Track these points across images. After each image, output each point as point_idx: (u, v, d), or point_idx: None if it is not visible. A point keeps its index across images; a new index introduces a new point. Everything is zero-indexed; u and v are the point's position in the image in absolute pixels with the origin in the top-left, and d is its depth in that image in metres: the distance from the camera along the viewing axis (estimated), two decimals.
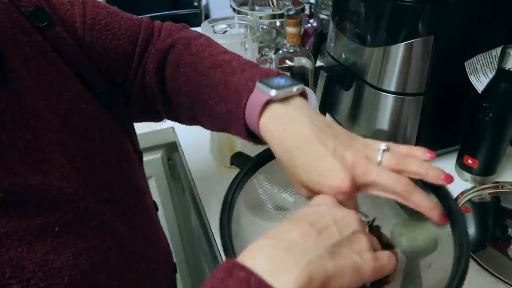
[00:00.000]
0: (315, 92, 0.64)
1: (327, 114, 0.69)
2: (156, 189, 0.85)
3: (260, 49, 0.78)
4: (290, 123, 0.30)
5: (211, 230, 0.55)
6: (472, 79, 0.56)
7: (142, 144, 0.77)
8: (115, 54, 0.38)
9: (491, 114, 0.52)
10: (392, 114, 0.57)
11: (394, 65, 0.54)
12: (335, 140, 0.29)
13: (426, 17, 0.50)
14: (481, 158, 0.56)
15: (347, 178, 0.27)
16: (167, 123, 0.77)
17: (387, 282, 0.32)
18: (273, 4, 0.94)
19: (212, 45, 0.38)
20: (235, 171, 0.36)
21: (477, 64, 0.55)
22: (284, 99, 0.31)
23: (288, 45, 0.67)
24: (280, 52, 0.69)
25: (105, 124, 0.37)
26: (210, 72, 0.35)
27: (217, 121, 0.36)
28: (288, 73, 0.68)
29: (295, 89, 0.31)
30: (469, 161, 0.57)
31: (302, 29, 0.90)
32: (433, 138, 0.61)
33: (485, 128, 0.53)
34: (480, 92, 0.54)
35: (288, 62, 0.68)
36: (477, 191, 0.56)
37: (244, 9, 0.89)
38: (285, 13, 0.81)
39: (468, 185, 0.58)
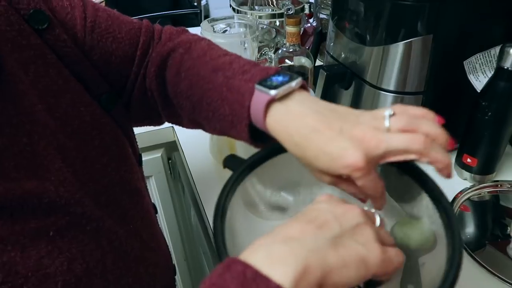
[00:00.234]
0: (314, 91, 0.65)
1: None
2: (156, 188, 0.85)
3: (260, 49, 0.78)
4: (295, 118, 0.30)
5: (211, 229, 0.55)
6: (471, 78, 0.56)
7: (142, 144, 0.77)
8: (115, 57, 0.38)
9: (490, 113, 0.52)
10: None
11: (393, 64, 0.54)
12: (340, 121, 0.29)
13: (425, 16, 0.50)
14: (480, 157, 0.56)
15: (360, 154, 0.27)
16: (167, 123, 0.77)
17: (381, 282, 0.32)
18: (272, 3, 0.94)
19: (212, 48, 0.38)
20: None
21: (476, 63, 0.55)
22: (285, 96, 0.31)
23: (287, 44, 0.67)
24: (280, 51, 0.69)
25: (105, 127, 0.37)
26: (211, 75, 0.35)
27: (220, 123, 0.35)
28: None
29: (293, 84, 0.31)
30: (468, 160, 0.57)
31: (302, 29, 0.91)
32: None
33: (484, 127, 0.54)
34: (479, 91, 0.54)
35: (288, 62, 0.68)
36: (476, 190, 0.57)
37: (244, 8, 0.89)
38: (285, 12, 0.81)
39: (467, 184, 0.58)
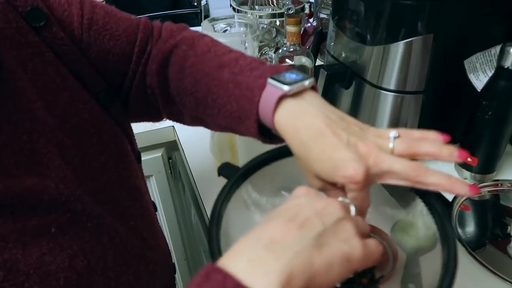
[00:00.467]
0: None
1: None
2: (157, 187, 0.85)
3: (260, 48, 0.78)
4: (304, 117, 0.30)
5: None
6: (472, 77, 0.56)
7: (143, 143, 0.77)
8: (113, 54, 0.38)
9: (490, 112, 0.52)
10: (392, 113, 0.57)
11: (394, 63, 0.54)
12: (348, 131, 0.29)
13: (426, 15, 0.50)
14: (480, 156, 0.56)
15: (361, 168, 0.27)
16: (167, 122, 0.77)
17: (380, 278, 0.32)
18: (273, 3, 0.94)
19: (216, 45, 0.38)
20: None
21: (477, 62, 0.55)
22: (297, 94, 0.31)
23: (288, 44, 0.67)
24: (280, 51, 0.69)
25: (103, 125, 0.36)
26: (217, 72, 0.35)
27: (226, 119, 0.35)
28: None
29: (306, 83, 0.31)
30: (469, 159, 0.57)
31: (302, 29, 0.91)
32: None
33: (485, 126, 0.54)
34: (479, 90, 0.54)
35: (288, 61, 0.68)
36: None
37: (244, 8, 0.89)
38: (285, 12, 0.81)
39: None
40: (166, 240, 0.48)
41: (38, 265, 0.26)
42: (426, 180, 0.28)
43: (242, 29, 0.68)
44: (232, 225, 0.35)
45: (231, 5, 0.89)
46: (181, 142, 0.72)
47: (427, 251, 0.34)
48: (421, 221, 0.35)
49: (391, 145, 0.29)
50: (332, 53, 0.66)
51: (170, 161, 0.85)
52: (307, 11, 0.93)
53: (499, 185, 0.57)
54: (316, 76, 0.67)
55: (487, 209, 0.56)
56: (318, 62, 0.90)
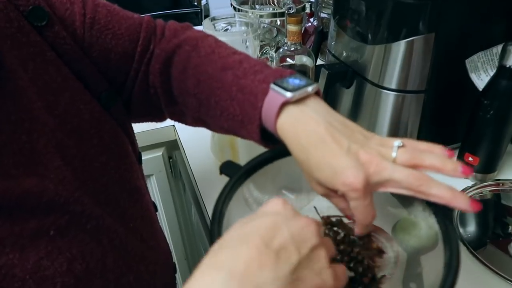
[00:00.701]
0: None
1: None
2: (157, 187, 0.85)
3: (261, 48, 0.78)
4: (306, 123, 0.30)
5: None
6: (473, 76, 0.56)
7: (143, 142, 0.77)
8: (115, 53, 0.38)
9: (492, 112, 0.52)
10: (393, 112, 0.57)
11: (395, 62, 0.54)
12: (350, 138, 0.29)
13: (427, 15, 0.50)
14: (481, 156, 0.56)
15: (361, 176, 0.27)
16: (168, 121, 0.77)
17: (381, 278, 0.32)
18: (273, 2, 0.94)
19: (220, 46, 0.38)
20: None
21: (478, 61, 0.55)
22: (300, 100, 0.31)
23: (289, 43, 0.67)
24: (281, 50, 0.69)
25: (104, 125, 0.36)
26: (220, 73, 0.35)
27: (228, 122, 0.35)
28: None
29: (310, 89, 0.31)
30: (470, 159, 0.57)
31: (303, 28, 0.91)
32: (434, 136, 0.61)
33: (486, 126, 0.54)
34: (480, 90, 0.54)
35: (289, 61, 0.68)
36: (477, 188, 0.57)
37: (245, 7, 0.89)
38: (286, 11, 0.81)
39: (469, 182, 0.58)
40: (167, 240, 0.48)
41: (35, 270, 0.26)
42: (428, 191, 0.27)
43: (243, 28, 0.68)
44: (234, 224, 0.35)
45: (231, 4, 0.89)
46: (181, 141, 0.72)
47: (428, 251, 0.34)
48: (422, 221, 0.35)
49: (394, 154, 0.28)
50: (333, 52, 0.66)
51: (171, 160, 0.85)
52: (307, 10, 0.93)
53: (500, 184, 0.57)
54: (317, 75, 0.66)
55: (488, 208, 0.56)
56: (319, 62, 0.90)
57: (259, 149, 0.37)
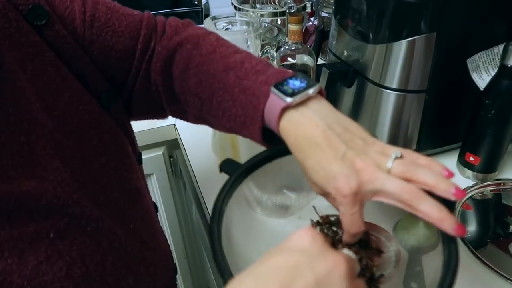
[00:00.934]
0: None
1: None
2: (158, 186, 0.85)
3: (262, 47, 0.78)
4: (306, 126, 0.30)
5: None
6: (474, 76, 0.56)
7: (144, 141, 0.77)
8: (116, 51, 0.37)
9: (493, 111, 0.52)
10: (394, 111, 0.57)
11: (397, 62, 0.54)
12: (348, 144, 0.29)
13: (429, 14, 0.50)
14: (483, 156, 0.56)
15: (352, 183, 0.27)
16: (168, 121, 0.77)
17: (380, 277, 0.32)
18: (274, 2, 0.94)
19: (222, 45, 0.38)
20: None
21: (479, 61, 0.55)
22: (301, 103, 0.31)
23: (290, 42, 0.67)
24: (282, 49, 0.69)
25: (104, 125, 0.36)
26: (222, 74, 0.35)
27: (230, 122, 0.35)
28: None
29: (311, 91, 0.31)
30: (471, 158, 0.57)
31: (304, 27, 0.91)
32: (435, 135, 0.61)
33: (487, 126, 0.54)
34: (482, 89, 0.54)
35: (290, 60, 0.68)
36: (478, 188, 0.57)
37: (246, 7, 0.89)
38: (287, 10, 0.81)
39: (470, 182, 0.58)
40: (167, 241, 0.48)
41: (34, 275, 0.25)
42: (416, 207, 0.27)
43: (244, 27, 0.68)
44: (233, 222, 0.35)
45: (232, 3, 0.89)
46: (182, 140, 0.72)
47: (429, 250, 0.34)
48: (423, 220, 0.35)
49: (389, 164, 0.28)
50: (334, 51, 0.66)
51: (171, 159, 0.85)
52: (308, 9, 0.92)
53: (501, 184, 0.57)
54: (318, 74, 0.66)
55: (489, 208, 0.56)
56: (320, 61, 0.90)
57: (260, 148, 0.37)
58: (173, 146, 0.83)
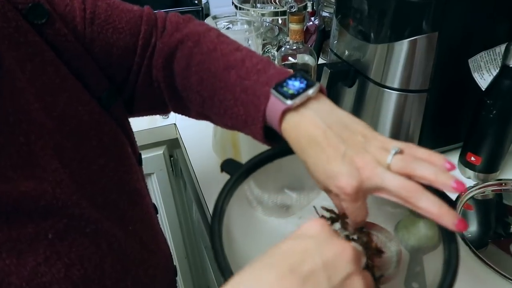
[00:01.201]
0: None
1: None
2: (158, 185, 0.85)
3: (263, 47, 0.78)
4: (307, 127, 0.30)
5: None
6: (476, 76, 0.56)
7: (144, 141, 0.77)
8: (117, 48, 0.37)
9: (494, 111, 0.52)
10: (396, 111, 0.57)
11: (398, 61, 0.54)
12: (347, 142, 0.29)
13: (431, 14, 0.50)
14: (484, 156, 0.56)
15: (353, 181, 0.27)
16: (169, 120, 0.77)
17: (380, 277, 0.32)
18: (275, 1, 0.94)
19: (222, 42, 0.38)
20: None
21: (481, 61, 0.55)
22: (301, 104, 0.31)
23: (291, 42, 0.67)
24: (283, 49, 0.69)
25: (103, 126, 0.36)
26: (223, 73, 0.35)
27: (232, 120, 0.35)
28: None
29: (310, 92, 0.31)
30: (472, 158, 0.57)
31: (304, 27, 0.90)
32: (436, 135, 0.61)
33: (489, 126, 0.53)
34: (483, 89, 0.54)
35: (291, 59, 0.68)
36: (479, 188, 0.56)
37: (246, 6, 0.89)
38: (288, 10, 0.81)
39: (471, 182, 0.58)
40: (167, 243, 0.47)
41: (32, 276, 0.25)
42: (416, 203, 0.27)
43: (245, 26, 0.68)
44: (234, 221, 0.35)
45: (233, 2, 0.89)
46: (183, 140, 0.72)
47: (430, 250, 0.34)
48: (424, 220, 0.35)
49: (389, 160, 0.28)
50: (335, 51, 0.66)
51: (172, 159, 0.85)
52: (309, 9, 0.92)
53: (503, 184, 0.57)
54: (319, 74, 0.66)
55: (490, 208, 0.56)
56: (320, 61, 0.89)
57: (261, 148, 0.37)
58: (173, 146, 0.83)
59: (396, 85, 0.55)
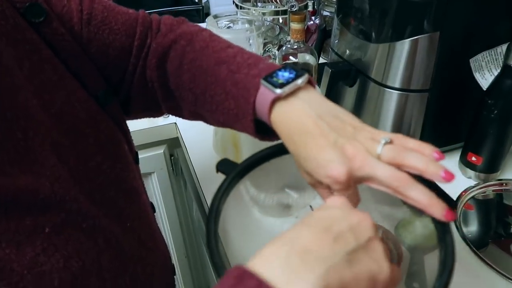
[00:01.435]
0: (319, 87, 0.64)
1: None
2: (158, 184, 0.85)
3: (264, 46, 0.78)
4: (296, 116, 0.30)
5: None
6: (477, 76, 0.56)
7: (144, 140, 0.77)
8: (113, 49, 0.38)
9: (496, 111, 0.52)
10: (397, 111, 0.57)
11: (399, 61, 0.53)
12: (338, 132, 0.29)
13: (432, 13, 0.50)
14: (485, 156, 0.56)
15: (344, 170, 0.28)
16: (169, 119, 0.77)
17: None
18: (276, 0, 0.94)
19: (214, 40, 0.38)
20: None
21: (482, 61, 0.55)
22: (291, 94, 0.31)
23: (292, 41, 0.66)
24: (284, 48, 0.69)
25: (100, 124, 0.36)
26: (215, 68, 0.36)
27: (224, 116, 0.36)
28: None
29: (299, 81, 0.31)
30: (473, 158, 0.57)
31: (305, 26, 0.90)
32: (437, 135, 0.61)
33: (490, 126, 0.53)
34: (485, 89, 0.54)
35: (292, 58, 0.68)
36: (480, 188, 0.57)
37: (247, 5, 0.89)
38: (289, 9, 0.80)
39: (472, 182, 0.58)
40: (165, 241, 0.48)
41: (32, 265, 0.26)
42: (405, 193, 0.27)
43: (246, 25, 0.68)
44: (230, 220, 0.35)
45: (234, 1, 0.89)
46: (183, 139, 0.72)
47: (431, 250, 0.34)
48: (424, 220, 0.35)
49: (379, 150, 0.29)
50: (336, 50, 0.66)
51: (172, 158, 0.85)
52: (310, 8, 0.92)
53: (503, 184, 0.57)
54: (320, 73, 0.66)
55: (491, 208, 0.56)
56: (321, 60, 0.89)
57: (262, 147, 0.37)
58: (174, 145, 0.83)
59: (397, 85, 0.55)
